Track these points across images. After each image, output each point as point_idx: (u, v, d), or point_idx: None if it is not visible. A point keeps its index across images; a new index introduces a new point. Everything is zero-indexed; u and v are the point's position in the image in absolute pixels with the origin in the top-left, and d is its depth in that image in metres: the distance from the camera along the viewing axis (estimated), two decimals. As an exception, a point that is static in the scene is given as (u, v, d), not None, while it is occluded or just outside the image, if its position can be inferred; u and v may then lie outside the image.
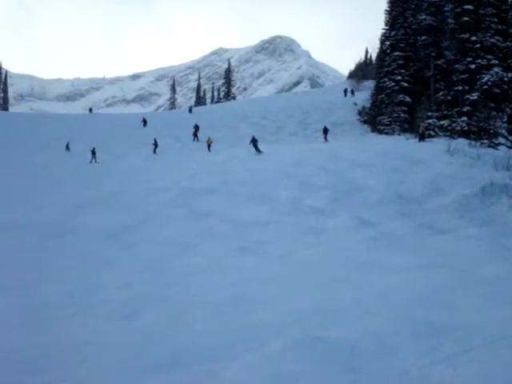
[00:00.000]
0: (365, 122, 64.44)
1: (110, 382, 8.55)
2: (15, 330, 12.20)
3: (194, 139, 61.21)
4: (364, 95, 72.12)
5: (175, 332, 11.37)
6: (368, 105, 66.12)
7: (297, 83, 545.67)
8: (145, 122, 70.90)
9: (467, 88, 51.97)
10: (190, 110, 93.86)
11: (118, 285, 16.18)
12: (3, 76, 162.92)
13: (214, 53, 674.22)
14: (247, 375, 8.11)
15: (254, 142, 45.14)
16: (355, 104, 70.75)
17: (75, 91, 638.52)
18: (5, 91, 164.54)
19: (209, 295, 14.21)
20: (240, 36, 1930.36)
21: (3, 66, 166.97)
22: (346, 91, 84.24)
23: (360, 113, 66.48)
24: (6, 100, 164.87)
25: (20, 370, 9.46)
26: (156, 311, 13.25)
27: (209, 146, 52.41)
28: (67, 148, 57.87)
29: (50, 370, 9.32)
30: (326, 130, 55.60)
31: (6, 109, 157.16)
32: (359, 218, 23.48)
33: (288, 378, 7.70)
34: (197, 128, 62.09)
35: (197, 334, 10.97)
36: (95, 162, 50.97)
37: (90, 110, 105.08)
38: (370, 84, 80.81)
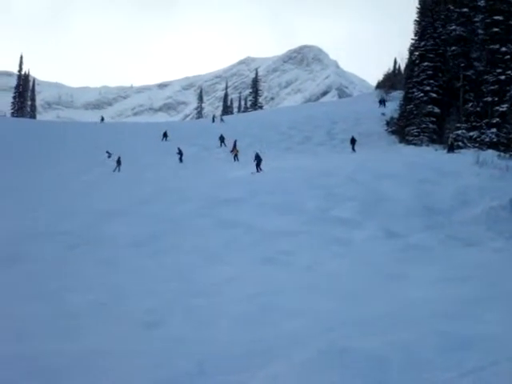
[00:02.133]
0: (393, 132, 63.91)
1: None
2: (43, 337, 12.29)
3: (221, 145, 61.34)
4: (392, 105, 71.64)
5: (201, 341, 11.37)
6: (396, 115, 65.68)
7: (324, 93, 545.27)
8: (165, 135, 69.73)
9: (496, 99, 51.56)
10: (213, 120, 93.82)
11: (145, 293, 16.25)
12: (31, 84, 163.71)
13: (242, 62, 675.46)
14: (273, 386, 8.08)
15: (258, 159, 41.80)
16: (383, 114, 70.30)
17: (102, 99, 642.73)
18: (32, 99, 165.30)
19: (235, 305, 14.21)
20: (268, 45, 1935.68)
21: (31, 73, 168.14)
22: (381, 101, 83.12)
23: (388, 123, 65.97)
24: (33, 108, 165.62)
25: (48, 376, 9.51)
26: (182, 320, 13.28)
27: (235, 155, 52.27)
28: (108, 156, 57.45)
29: (76, 377, 9.36)
30: (353, 141, 55.32)
31: (33, 117, 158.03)
32: (386, 230, 23.36)
33: (314, 390, 7.68)
34: (222, 139, 62.11)
35: (223, 343, 10.96)
36: (118, 171, 51.13)
37: (102, 119, 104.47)
38: (398, 94, 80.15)
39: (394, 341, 9.37)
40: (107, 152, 57.62)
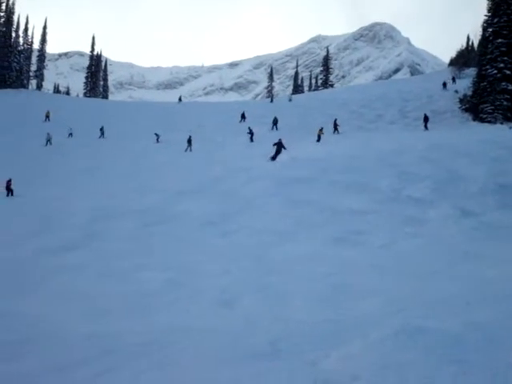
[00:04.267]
0: (466, 110, 62.81)
1: (209, 369, 8.62)
2: (119, 315, 12.57)
3: (272, 128, 61.45)
4: (465, 83, 70.30)
5: (274, 320, 11.42)
6: (469, 93, 64.44)
7: (396, 70, 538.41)
8: (243, 116, 69.86)
9: None
10: (272, 100, 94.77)
11: (218, 272, 16.40)
12: (103, 64, 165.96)
13: (313, 40, 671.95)
14: (347, 365, 8.02)
15: (279, 146, 38.75)
16: (456, 92, 69.06)
17: (174, 79, 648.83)
18: (105, 79, 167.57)
19: (308, 284, 14.23)
20: (339, 23, 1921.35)
21: (103, 53, 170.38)
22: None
23: (461, 101, 64.80)
24: (106, 88, 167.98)
25: (125, 354, 9.72)
26: (255, 299, 13.37)
27: (319, 136, 51.23)
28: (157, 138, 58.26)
29: (154, 354, 9.53)
30: (426, 119, 54.54)
31: (105, 97, 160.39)
32: (460, 208, 23.01)
33: (390, 369, 7.59)
34: (275, 121, 62.10)
35: (296, 322, 10.97)
36: (190, 150, 51.55)
37: (180, 99, 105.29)
38: (471, 72, 78.67)
39: (470, 321, 9.24)
40: (156, 134, 58.35)
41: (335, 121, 56.89)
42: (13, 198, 34.19)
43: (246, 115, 69.29)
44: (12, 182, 35.42)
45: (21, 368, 9.30)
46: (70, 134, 64.60)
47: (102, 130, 63.83)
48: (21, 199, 32.99)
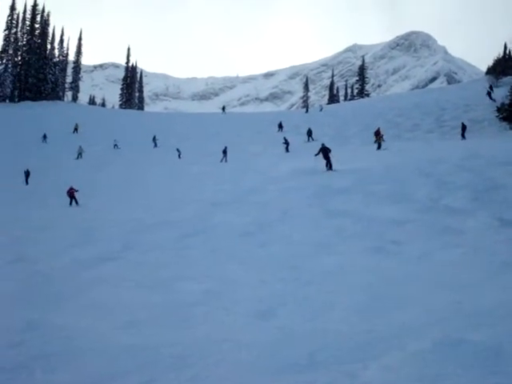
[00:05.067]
0: (504, 119, 62.18)
1: (247, 381, 8.64)
2: (156, 326, 12.63)
3: (308, 140, 60.87)
4: (503, 91, 69.64)
5: (312, 331, 11.40)
6: (507, 101, 63.83)
7: (433, 79, 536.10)
8: (280, 126, 70.06)
9: None
10: (307, 110, 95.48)
11: (255, 283, 16.42)
12: (138, 75, 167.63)
13: (348, 49, 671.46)
14: (387, 376, 8.00)
15: (325, 151, 35.55)
16: (494, 100, 68.45)
17: (209, 90, 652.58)
18: (140, 90, 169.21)
19: (346, 295, 14.18)
20: (375, 32, 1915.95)
21: (138, 65, 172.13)
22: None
23: (499, 110, 64.20)
24: (141, 99, 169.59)
25: (164, 366, 9.75)
26: (293, 310, 13.35)
27: (379, 143, 49.16)
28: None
29: (193, 366, 9.55)
30: (463, 127, 54.14)
31: (141, 108, 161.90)
32: (500, 218, 22.69)
33: (429, 380, 7.55)
34: (310, 132, 61.89)
35: (334, 333, 10.94)
36: (225, 161, 51.77)
37: (223, 108, 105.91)
38: (509, 80, 78.00)
39: (510, 331, 9.15)
40: (177, 150, 58.29)
41: (378, 129, 55.77)
42: (78, 207, 34.66)
43: (283, 125, 69.38)
44: (75, 190, 35.68)
45: (57, 381, 9.39)
46: (116, 146, 65.45)
47: (154, 139, 64.57)
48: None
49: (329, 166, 34.99)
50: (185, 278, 17.19)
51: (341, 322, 11.76)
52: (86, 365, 10.15)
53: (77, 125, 77.16)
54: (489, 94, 72.94)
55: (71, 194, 35.29)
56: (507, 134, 55.40)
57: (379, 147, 47.78)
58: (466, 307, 11.84)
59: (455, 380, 7.49)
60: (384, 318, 11.65)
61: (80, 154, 60.84)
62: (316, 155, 35.89)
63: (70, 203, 35.15)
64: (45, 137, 70.41)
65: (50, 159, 59.49)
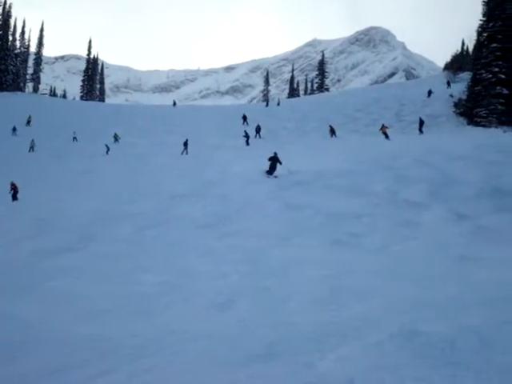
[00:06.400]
0: (461, 114, 63.01)
1: (204, 372, 8.62)
2: (116, 317, 12.58)
3: (256, 136, 61.08)
4: (460, 87, 70.47)
5: (271, 323, 11.42)
6: (464, 97, 64.65)
7: (391, 75, 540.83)
8: (245, 119, 69.90)
9: None
10: (267, 104, 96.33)
11: (214, 275, 16.43)
12: (100, 67, 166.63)
13: (309, 44, 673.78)
14: (343, 367, 8.05)
15: (274, 161, 33.36)
16: (451, 96, 69.25)
17: (170, 82, 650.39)
18: (101, 82, 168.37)
19: (305, 287, 14.23)
20: (334, 28, 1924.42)
21: (100, 57, 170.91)
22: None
23: (456, 105, 65.01)
24: (102, 91, 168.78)
25: (122, 356, 9.73)
26: (251, 302, 13.37)
27: (385, 134, 50.74)
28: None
29: (151, 357, 9.54)
30: (421, 122, 54.76)
31: (102, 100, 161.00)
32: (456, 212, 23.04)
33: (385, 370, 7.61)
34: (258, 129, 62.32)
35: (293, 325, 10.98)
36: (186, 153, 51.69)
37: (174, 103, 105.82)
38: (466, 76, 78.84)
39: (466, 324, 9.28)
40: (106, 146, 57.30)
41: (331, 126, 57.34)
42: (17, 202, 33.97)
43: (247, 117, 69.43)
44: (16, 184, 34.86)
45: (15, 370, 9.31)
46: (75, 138, 64.52)
47: (115, 137, 63.42)
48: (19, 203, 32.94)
49: (272, 172, 32.90)
50: (144, 269, 17.13)
51: (299, 313, 11.81)
52: (45, 355, 10.06)
53: (30, 117, 75.14)
54: (429, 92, 73.93)
55: (14, 188, 34.65)
56: (464, 129, 56.19)
57: (387, 137, 49.57)
58: (423, 299, 11.96)
59: (412, 370, 7.58)
60: (342, 309, 11.73)
61: (32, 148, 59.63)
62: (269, 160, 33.55)
63: (14, 198, 34.34)
64: (14, 129, 68.70)
65: (13, 152, 58.48)
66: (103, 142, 59.00)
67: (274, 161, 33.51)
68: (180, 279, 16.05)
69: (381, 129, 52.00)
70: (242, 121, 69.26)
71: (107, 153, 55.73)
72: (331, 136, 56.04)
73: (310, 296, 13.17)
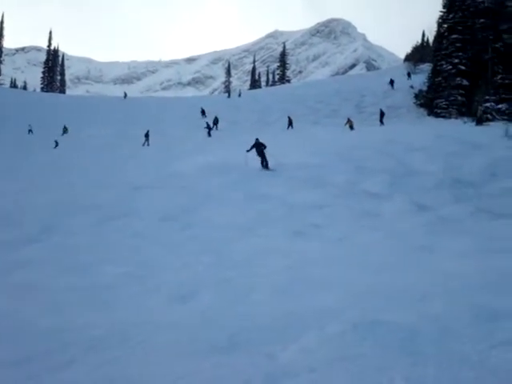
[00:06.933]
0: (421, 105, 63.64)
1: (167, 363, 8.64)
2: (78, 309, 12.49)
3: (214, 127, 61.54)
4: (421, 78, 71.10)
5: (233, 314, 11.46)
6: (425, 88, 65.26)
7: (352, 66, 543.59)
8: (203, 112, 69.87)
9: (526, 72, 51.04)
10: (229, 95, 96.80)
11: (177, 266, 16.42)
12: (60, 58, 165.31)
13: (270, 36, 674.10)
14: (306, 357, 8.11)
15: (259, 147, 32.15)
16: (412, 87, 69.88)
17: (131, 74, 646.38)
18: (62, 74, 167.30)
19: (267, 278, 14.28)
20: (296, 19, 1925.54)
21: (60, 48, 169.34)
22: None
23: (416, 96, 65.61)
24: (63, 83, 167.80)
25: (84, 348, 9.70)
26: (214, 293, 13.38)
27: (351, 126, 51.56)
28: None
29: (113, 348, 9.52)
30: (382, 114, 55.20)
31: (63, 91, 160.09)
32: (416, 203, 23.29)
33: (347, 361, 7.69)
34: (216, 121, 62.87)
35: (255, 316, 11.02)
36: (147, 145, 51.59)
37: (125, 95, 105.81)
38: (426, 67, 79.60)
39: (425, 313, 9.40)
40: (55, 141, 56.80)
41: (289, 117, 57.59)
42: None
43: (205, 111, 69.41)
44: None
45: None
46: (30, 131, 63.86)
47: (64, 128, 62.95)
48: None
49: (264, 163, 31.64)
50: (106, 261, 17.02)
51: (261, 304, 11.85)
52: (3, 347, 9.99)
53: None
54: (391, 82, 74.63)
55: None
56: (425, 120, 56.76)
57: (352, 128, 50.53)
58: (384, 289, 12.08)
59: (373, 360, 7.67)
60: (304, 300, 11.79)
61: None
62: (248, 151, 32.10)
63: None
64: None
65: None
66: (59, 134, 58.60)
67: (259, 147, 32.01)
68: (142, 270, 16.00)
69: (346, 123, 52.30)
70: (200, 115, 69.19)
71: (55, 147, 55.13)
72: (288, 127, 56.21)
73: (272, 287, 13.23)
